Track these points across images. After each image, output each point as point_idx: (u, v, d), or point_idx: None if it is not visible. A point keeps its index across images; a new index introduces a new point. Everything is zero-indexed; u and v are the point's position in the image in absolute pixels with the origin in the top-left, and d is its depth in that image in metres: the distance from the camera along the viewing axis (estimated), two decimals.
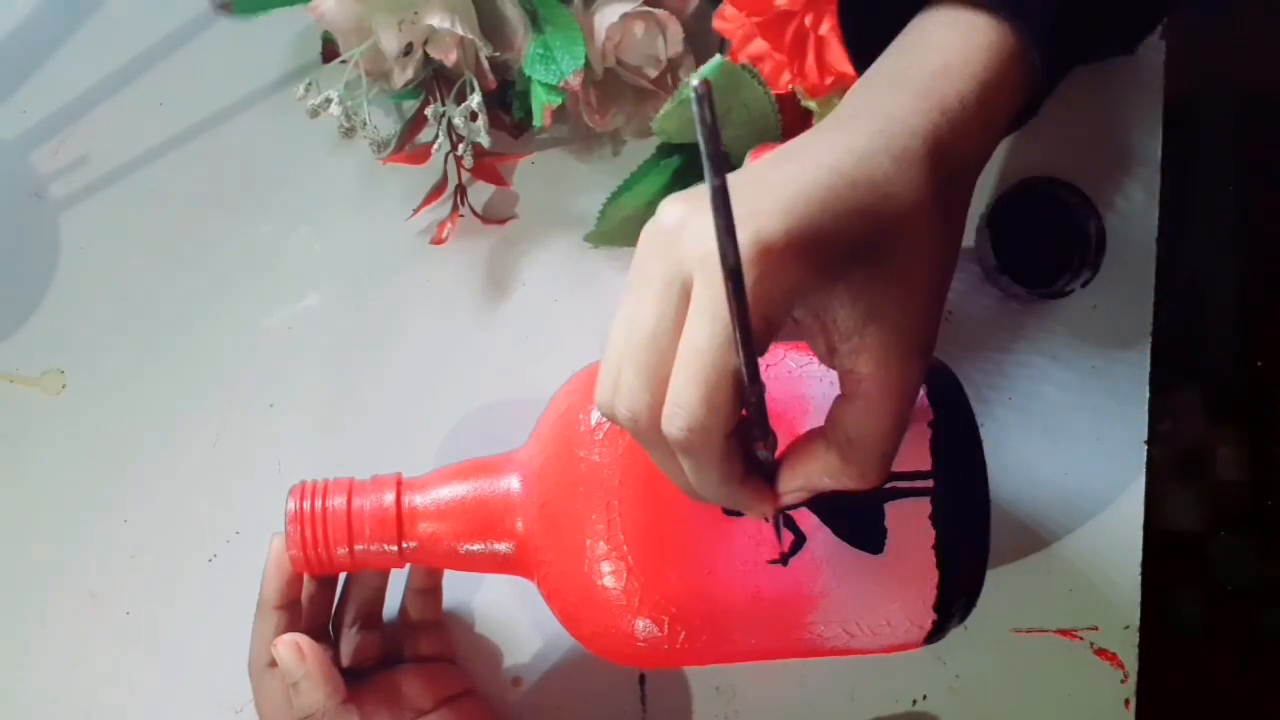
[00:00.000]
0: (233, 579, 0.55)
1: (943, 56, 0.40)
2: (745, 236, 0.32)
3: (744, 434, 0.36)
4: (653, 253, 0.35)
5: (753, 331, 0.32)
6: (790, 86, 0.51)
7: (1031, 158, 0.56)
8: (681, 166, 0.54)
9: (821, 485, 0.37)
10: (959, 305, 0.57)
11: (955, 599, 0.44)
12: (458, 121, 0.53)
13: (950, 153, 0.38)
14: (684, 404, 0.34)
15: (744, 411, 0.35)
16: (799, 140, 0.38)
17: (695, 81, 0.26)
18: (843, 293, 0.34)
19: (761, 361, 0.45)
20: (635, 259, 0.36)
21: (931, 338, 0.37)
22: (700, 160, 0.28)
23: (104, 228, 0.58)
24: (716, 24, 0.52)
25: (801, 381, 0.44)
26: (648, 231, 0.36)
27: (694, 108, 0.27)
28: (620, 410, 0.36)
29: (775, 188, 0.34)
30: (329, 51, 0.56)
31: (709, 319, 0.33)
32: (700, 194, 0.31)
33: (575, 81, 0.52)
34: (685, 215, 0.35)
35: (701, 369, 0.33)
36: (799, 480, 0.38)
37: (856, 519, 0.43)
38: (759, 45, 0.50)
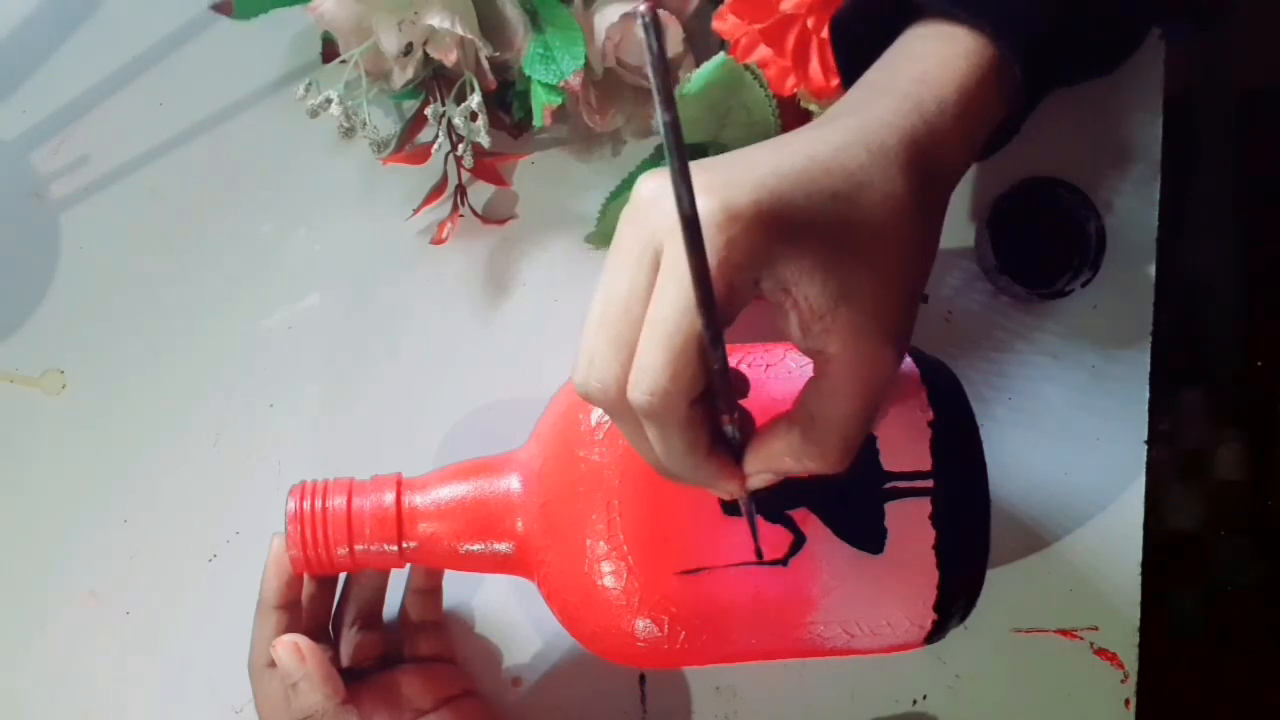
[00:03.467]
0: (233, 579, 0.55)
1: (923, 65, 0.41)
2: (714, 202, 0.33)
3: (711, 405, 0.36)
4: (628, 227, 0.36)
5: (714, 294, 0.32)
6: (795, 91, 0.51)
7: (1031, 158, 0.56)
8: None
9: (784, 466, 0.37)
10: (959, 305, 0.57)
11: (955, 599, 0.44)
12: (458, 121, 0.53)
13: (927, 155, 0.39)
14: (647, 368, 0.34)
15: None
16: (783, 135, 0.39)
17: (643, 7, 0.26)
18: (813, 269, 0.35)
19: (761, 361, 0.45)
20: (615, 236, 0.36)
21: (906, 328, 0.37)
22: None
23: (104, 228, 0.58)
24: (715, 25, 0.52)
25: (802, 381, 0.44)
26: (626, 208, 0.36)
27: (640, 36, 0.27)
28: (593, 383, 0.36)
29: (750, 165, 0.35)
30: (329, 51, 0.56)
31: (674, 284, 0.34)
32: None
33: (575, 81, 0.52)
34: (659, 189, 0.35)
35: (665, 333, 0.34)
36: (762, 460, 0.38)
37: (856, 519, 0.43)
38: (763, 51, 0.51)
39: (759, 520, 0.43)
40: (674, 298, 0.34)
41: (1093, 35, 0.46)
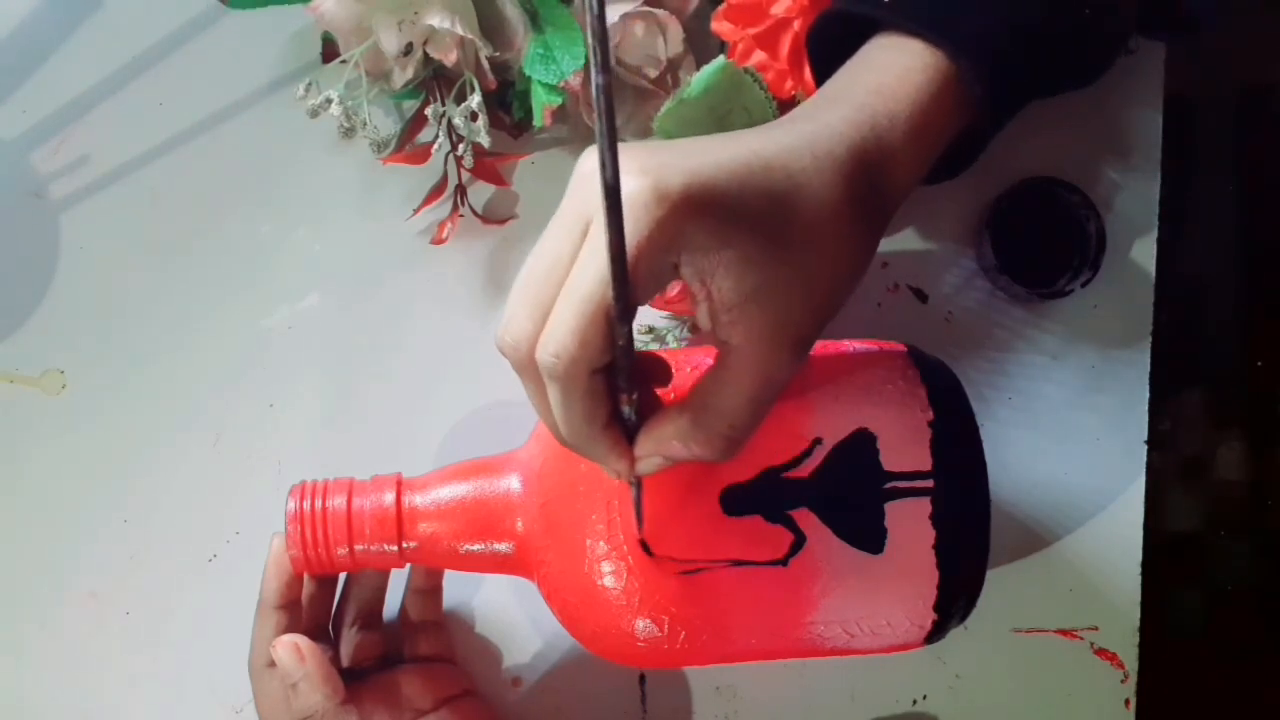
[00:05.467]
0: (233, 579, 0.55)
1: (880, 76, 0.42)
2: (645, 182, 0.34)
3: (614, 382, 0.37)
4: (568, 195, 0.37)
5: (630, 270, 0.33)
6: (793, 93, 0.51)
7: (1031, 158, 0.57)
8: None
9: (672, 450, 0.38)
10: (959, 305, 0.57)
11: (955, 599, 0.44)
12: (458, 121, 0.53)
13: (874, 166, 0.39)
14: (556, 331, 0.35)
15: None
16: (739, 130, 0.40)
17: None
18: (732, 262, 0.35)
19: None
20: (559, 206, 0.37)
21: (812, 334, 0.38)
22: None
23: (104, 228, 0.58)
24: (714, 27, 0.52)
25: None
26: (572, 178, 0.37)
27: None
28: (506, 339, 0.37)
29: (692, 153, 0.36)
30: (329, 51, 0.56)
31: (594, 254, 0.34)
32: (623, 149, 0.32)
33: (575, 81, 0.52)
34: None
35: (577, 299, 0.34)
36: (652, 443, 0.38)
37: (856, 519, 0.43)
38: (760, 55, 0.51)
39: (757, 520, 0.43)
40: (592, 267, 0.34)
41: (1062, 51, 0.46)
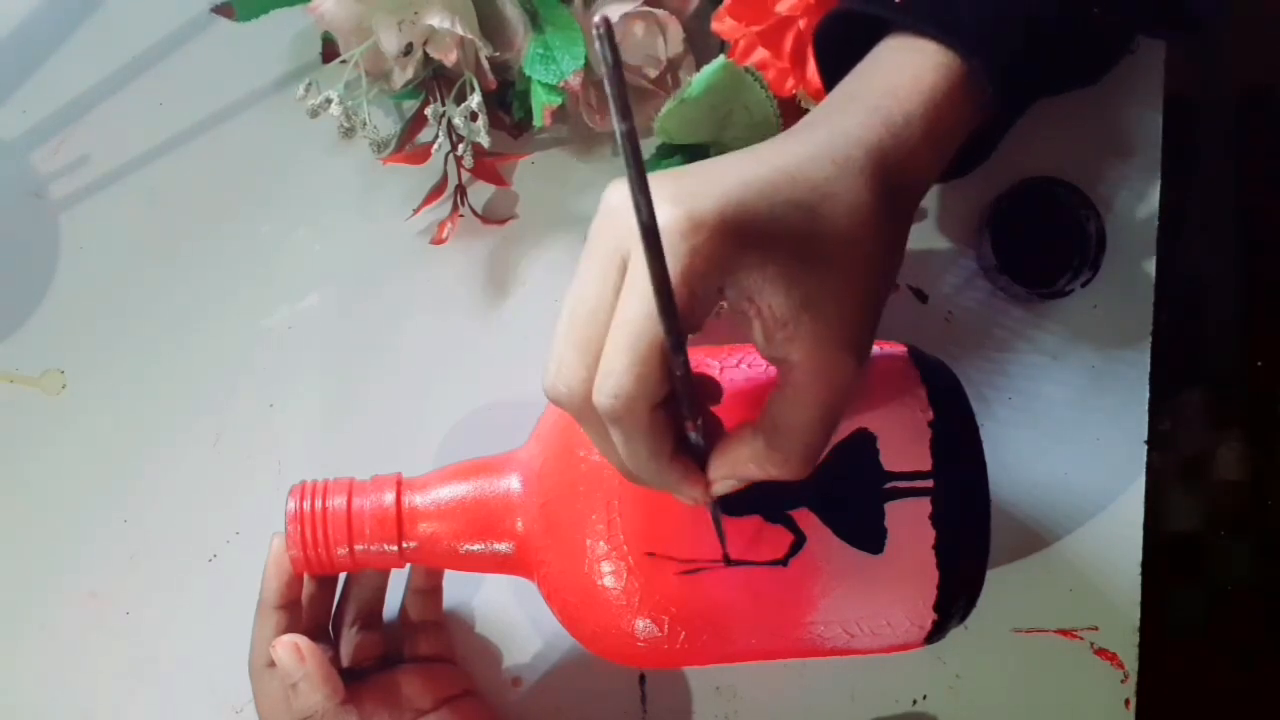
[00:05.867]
0: (233, 579, 0.55)
1: (893, 77, 0.42)
2: (679, 211, 0.34)
3: (676, 411, 0.36)
4: (597, 233, 0.36)
5: (677, 301, 0.32)
6: (794, 92, 0.51)
7: (1031, 158, 0.56)
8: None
9: (748, 473, 0.38)
10: (959, 305, 0.57)
11: (955, 599, 0.44)
12: (458, 121, 0.53)
13: (893, 167, 0.39)
14: (611, 373, 0.35)
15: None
16: (753, 146, 0.39)
17: (598, 19, 0.27)
18: (777, 278, 0.35)
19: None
20: (586, 243, 0.37)
21: (867, 338, 0.37)
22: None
23: (104, 228, 0.58)
24: (715, 27, 0.52)
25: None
26: (597, 214, 0.37)
27: (597, 47, 0.27)
28: (560, 387, 0.37)
29: (716, 175, 0.36)
30: (329, 51, 0.56)
31: (637, 290, 0.34)
32: (650, 180, 0.32)
33: (575, 81, 0.52)
34: (628, 195, 0.36)
35: (628, 337, 0.34)
36: (726, 466, 0.38)
37: (856, 519, 0.43)
38: (761, 53, 0.51)
39: (757, 520, 0.43)
40: (637, 303, 0.34)
41: (1070, 50, 0.46)
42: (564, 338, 0.36)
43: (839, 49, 0.46)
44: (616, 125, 0.28)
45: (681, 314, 0.33)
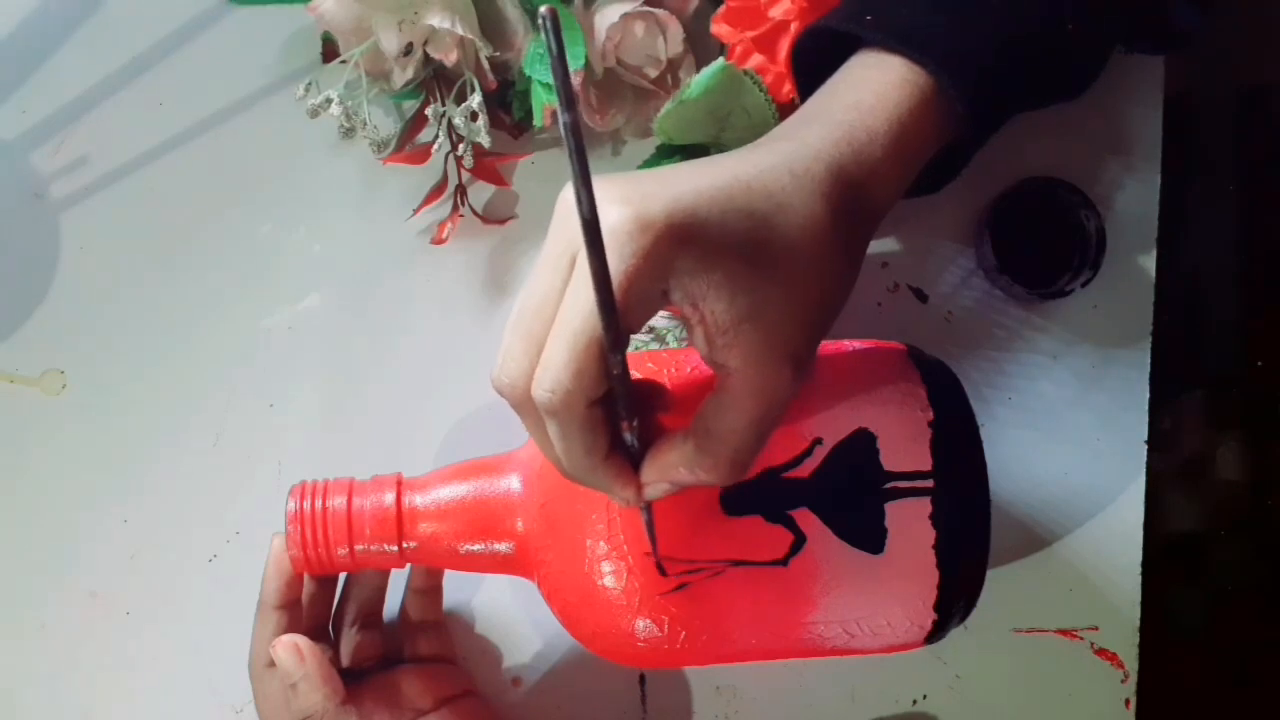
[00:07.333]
0: (233, 579, 0.55)
1: (859, 92, 0.42)
2: (627, 212, 0.34)
3: (613, 411, 0.37)
4: (553, 228, 0.37)
5: (617, 300, 0.33)
6: (793, 96, 0.51)
7: (1031, 158, 0.57)
8: None
9: (678, 477, 0.38)
10: (959, 305, 0.57)
11: (955, 599, 0.44)
12: (458, 121, 0.53)
13: (853, 182, 0.39)
14: (550, 366, 0.35)
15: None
16: (717, 155, 0.40)
17: (544, 9, 0.27)
18: (721, 284, 0.35)
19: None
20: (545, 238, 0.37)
21: (809, 352, 0.38)
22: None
23: (104, 228, 0.58)
24: (713, 29, 0.52)
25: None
26: (555, 210, 0.37)
27: (542, 36, 0.27)
28: (503, 378, 0.37)
29: (671, 180, 0.36)
30: (329, 51, 0.56)
31: (582, 287, 0.34)
32: (603, 180, 0.32)
33: (575, 81, 0.52)
34: None
35: (569, 333, 0.35)
36: (658, 470, 0.38)
37: (856, 519, 0.43)
38: (758, 59, 0.51)
39: (756, 520, 0.43)
40: (581, 300, 0.34)
41: (1045, 65, 0.46)
42: (512, 330, 0.37)
43: (816, 64, 0.46)
44: (560, 116, 0.28)
45: (621, 313, 0.33)
